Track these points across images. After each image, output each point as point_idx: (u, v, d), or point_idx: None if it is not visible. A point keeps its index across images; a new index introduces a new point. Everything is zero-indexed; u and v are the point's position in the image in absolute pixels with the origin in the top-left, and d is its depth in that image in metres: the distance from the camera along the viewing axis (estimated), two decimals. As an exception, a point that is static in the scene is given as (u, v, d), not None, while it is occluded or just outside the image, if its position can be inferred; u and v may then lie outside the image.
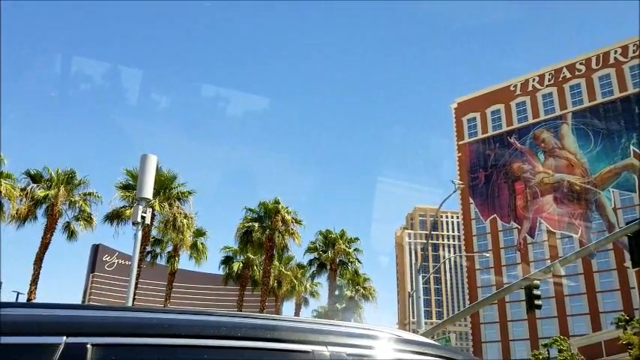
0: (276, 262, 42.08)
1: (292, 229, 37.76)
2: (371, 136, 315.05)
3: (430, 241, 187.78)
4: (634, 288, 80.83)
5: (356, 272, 46.17)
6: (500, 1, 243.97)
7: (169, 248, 37.71)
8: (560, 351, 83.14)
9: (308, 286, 49.90)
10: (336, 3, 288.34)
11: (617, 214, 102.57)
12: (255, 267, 43.00)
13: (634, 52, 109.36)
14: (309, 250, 43.74)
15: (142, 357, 2.07)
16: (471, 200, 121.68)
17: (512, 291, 29.13)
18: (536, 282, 21.24)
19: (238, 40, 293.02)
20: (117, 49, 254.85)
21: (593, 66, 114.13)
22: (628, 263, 78.06)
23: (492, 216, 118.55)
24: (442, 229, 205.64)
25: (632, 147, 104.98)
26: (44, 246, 30.61)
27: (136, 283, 25.43)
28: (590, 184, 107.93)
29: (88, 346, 2.00)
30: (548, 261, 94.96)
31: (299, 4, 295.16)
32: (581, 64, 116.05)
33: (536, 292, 20.68)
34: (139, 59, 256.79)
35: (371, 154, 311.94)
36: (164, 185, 31.91)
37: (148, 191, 15.21)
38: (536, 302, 20.59)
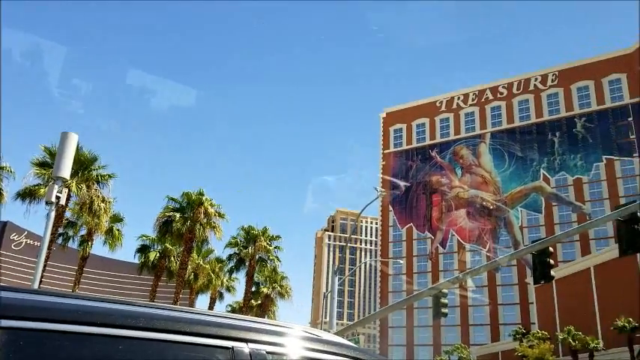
0: (194, 255, 41.46)
1: (214, 223, 37.31)
2: (302, 136, 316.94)
3: (349, 245, 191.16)
4: (532, 303, 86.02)
5: (274, 270, 46.44)
6: (445, 24, 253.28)
7: (83, 232, 36.20)
8: (460, 358, 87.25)
9: (225, 280, 49.56)
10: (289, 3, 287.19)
11: (523, 233, 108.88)
12: (172, 258, 42.12)
13: (552, 81, 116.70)
14: (230, 244, 43.56)
15: (53, 343, 1.96)
16: (391, 208, 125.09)
17: (422, 298, 30.40)
18: (444, 291, 22.28)
19: (170, 29, 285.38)
20: (40, 26, 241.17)
21: (514, 91, 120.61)
22: (529, 279, 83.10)
23: (409, 225, 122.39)
24: (361, 233, 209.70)
25: (542, 171, 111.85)
26: (-56, 219, 28.59)
27: (45, 266, 24.37)
28: (501, 202, 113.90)
29: None
30: (457, 272, 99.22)
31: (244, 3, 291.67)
32: (503, 87, 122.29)
33: (443, 300, 21.65)
34: (65, 38, 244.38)
35: (301, 154, 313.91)
36: (83, 166, 30.59)
37: (66, 170, 14.70)
38: (443, 310, 21.53)
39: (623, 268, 60.36)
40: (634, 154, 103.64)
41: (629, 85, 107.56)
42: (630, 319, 54.64)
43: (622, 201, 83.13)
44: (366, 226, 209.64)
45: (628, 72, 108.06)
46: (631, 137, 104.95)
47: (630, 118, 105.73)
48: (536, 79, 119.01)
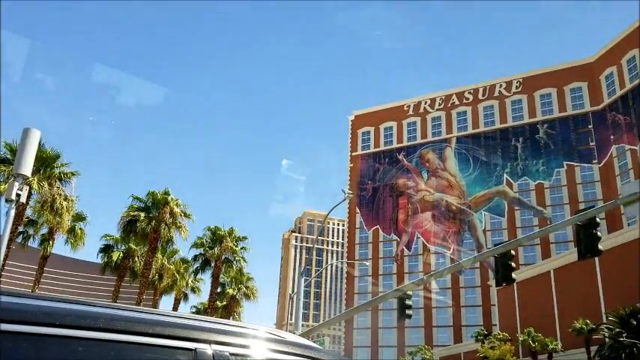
0: (159, 255, 40.86)
1: (180, 223, 36.85)
2: (270, 138, 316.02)
3: (315, 246, 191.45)
4: (494, 305, 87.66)
5: (240, 271, 46.12)
6: (413, 29, 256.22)
7: (44, 230, 35.31)
8: (423, 359, 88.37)
9: (190, 281, 49.02)
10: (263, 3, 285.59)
11: (486, 236, 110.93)
12: (136, 258, 41.41)
13: (516, 88, 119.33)
14: (196, 245, 43.06)
15: (6, 345, 1.87)
16: (358, 210, 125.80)
17: (387, 299, 30.69)
18: (408, 293, 22.53)
19: (144, 28, 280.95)
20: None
21: (480, 96, 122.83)
22: (491, 282, 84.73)
23: (375, 227, 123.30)
24: (328, 235, 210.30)
25: (505, 175, 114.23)
26: None
27: (3, 265, 23.72)
28: (466, 205, 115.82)
29: None
30: (422, 274, 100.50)
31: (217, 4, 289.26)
32: (469, 93, 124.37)
33: (408, 302, 21.89)
34: (29, 30, 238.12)
35: (269, 156, 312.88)
36: (45, 163, 29.88)
37: (27, 168, 14.30)
38: (408, 312, 21.77)
39: (581, 272, 62.14)
40: (593, 161, 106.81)
41: (590, 93, 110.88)
42: (588, 321, 56.23)
43: (581, 206, 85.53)
44: (333, 228, 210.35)
45: (589, 81, 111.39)
46: (591, 144, 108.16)
47: (590, 126, 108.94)
48: (501, 86, 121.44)
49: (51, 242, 34.77)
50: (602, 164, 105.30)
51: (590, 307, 60.17)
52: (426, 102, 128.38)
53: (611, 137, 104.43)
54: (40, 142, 18.53)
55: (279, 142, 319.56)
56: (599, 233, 17.38)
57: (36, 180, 28.36)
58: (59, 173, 30.84)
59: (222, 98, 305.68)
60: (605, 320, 53.94)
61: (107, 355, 2.05)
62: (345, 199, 32.82)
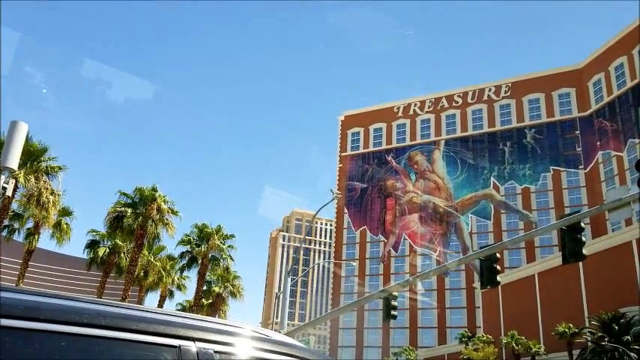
0: (145, 251, 40.59)
1: (167, 220, 36.61)
2: (261, 136, 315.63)
3: (303, 245, 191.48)
4: (479, 307, 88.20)
5: (227, 269, 45.95)
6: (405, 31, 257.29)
7: (30, 224, 34.98)
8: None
9: (176, 278, 48.71)
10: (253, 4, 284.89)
11: (472, 238, 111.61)
12: (122, 254, 41.15)
13: (505, 92, 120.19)
14: (183, 242, 42.81)
15: None
16: (346, 210, 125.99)
17: (372, 300, 30.84)
18: (394, 294, 22.64)
19: (136, 26, 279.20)
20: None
21: (469, 100, 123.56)
22: (476, 284, 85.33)
23: (363, 227, 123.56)
24: (316, 234, 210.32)
25: (492, 179, 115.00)
26: None
27: (-13, 259, 23.50)
28: (453, 207, 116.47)
29: None
30: (408, 275, 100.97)
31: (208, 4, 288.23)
32: (458, 96, 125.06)
33: (393, 303, 22.01)
34: (18, 23, 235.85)
35: (259, 154, 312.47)
36: (32, 157, 29.63)
37: (14, 161, 14.21)
38: (393, 313, 21.88)
39: (565, 276, 62.79)
40: (579, 167, 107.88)
41: (578, 99, 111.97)
42: (570, 324, 56.79)
43: (567, 211, 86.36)
44: (321, 228, 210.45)
45: (577, 87, 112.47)
46: (577, 150, 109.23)
47: (577, 132, 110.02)
48: (490, 90, 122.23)
49: (36, 236, 34.47)
50: (587, 170, 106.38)
51: (574, 311, 60.80)
52: (415, 104, 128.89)
53: (598, 143, 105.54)
54: (27, 135, 18.43)
55: (269, 141, 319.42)
56: (583, 238, 17.57)
57: (22, 173, 28.12)
58: (46, 167, 30.61)
59: (211, 96, 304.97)
60: (587, 324, 54.57)
61: (91, 350, 2.04)
62: (333, 199, 32.93)
